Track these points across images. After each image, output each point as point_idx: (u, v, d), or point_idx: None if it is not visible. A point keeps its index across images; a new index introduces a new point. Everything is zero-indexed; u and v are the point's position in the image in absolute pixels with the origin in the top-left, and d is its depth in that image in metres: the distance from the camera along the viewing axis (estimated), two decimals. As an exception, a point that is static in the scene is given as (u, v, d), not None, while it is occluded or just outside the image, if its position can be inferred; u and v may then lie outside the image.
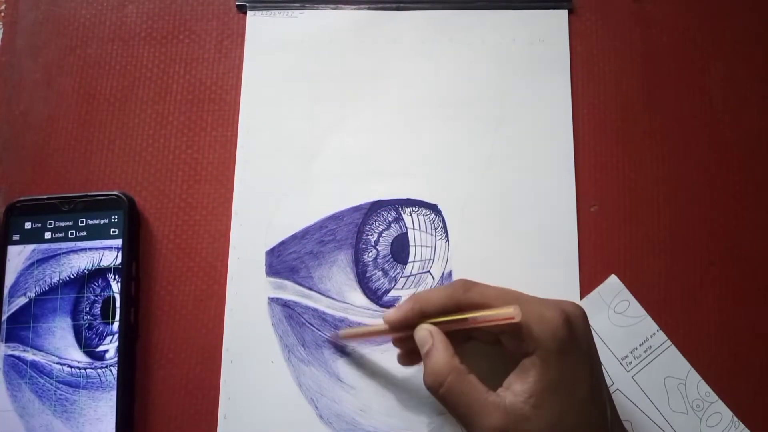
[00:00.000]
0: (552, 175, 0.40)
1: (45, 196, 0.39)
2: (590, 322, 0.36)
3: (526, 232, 0.39)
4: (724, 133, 0.41)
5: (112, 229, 0.38)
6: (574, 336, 0.30)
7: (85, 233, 0.38)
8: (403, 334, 0.33)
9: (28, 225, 0.38)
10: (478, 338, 0.34)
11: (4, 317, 0.37)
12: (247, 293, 0.38)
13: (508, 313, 0.29)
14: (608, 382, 0.36)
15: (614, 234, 0.39)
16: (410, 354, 0.34)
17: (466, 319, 0.30)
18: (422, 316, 0.32)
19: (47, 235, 0.38)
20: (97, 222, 0.38)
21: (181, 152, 0.41)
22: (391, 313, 0.32)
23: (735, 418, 0.36)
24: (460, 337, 0.33)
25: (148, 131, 0.41)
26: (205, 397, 0.37)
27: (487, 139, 0.41)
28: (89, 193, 0.39)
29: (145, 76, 0.42)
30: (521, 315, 0.29)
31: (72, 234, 0.38)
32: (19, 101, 0.41)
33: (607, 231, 0.39)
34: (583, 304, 0.37)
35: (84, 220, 0.38)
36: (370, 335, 0.35)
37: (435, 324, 0.31)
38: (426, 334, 0.31)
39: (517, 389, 0.29)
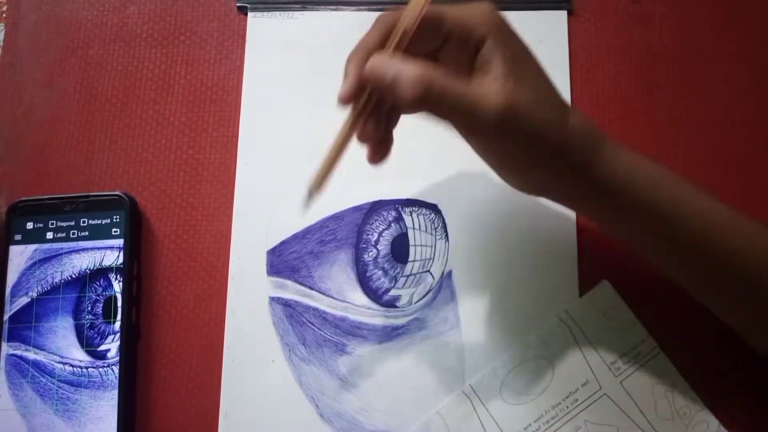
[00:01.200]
0: (551, 175, 0.40)
1: (47, 196, 0.39)
2: (581, 327, 0.37)
3: (525, 231, 0.39)
4: (723, 134, 0.41)
5: (114, 229, 0.38)
6: (504, 17, 0.29)
7: (86, 233, 0.38)
8: (362, 108, 0.30)
9: (30, 225, 0.38)
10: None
11: (6, 317, 0.37)
12: (248, 293, 0.38)
13: (418, 1, 0.27)
14: (596, 386, 0.37)
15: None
16: (379, 144, 0.32)
17: (404, 30, 0.28)
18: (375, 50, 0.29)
19: (49, 235, 0.38)
20: (99, 222, 0.38)
21: (183, 152, 0.41)
22: (342, 88, 0.29)
23: (722, 427, 0.36)
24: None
25: (149, 131, 0.41)
26: (207, 396, 0.37)
27: (487, 139, 0.41)
28: (91, 194, 0.39)
29: (147, 77, 0.42)
30: (451, 20, 0.28)
31: (74, 234, 0.38)
32: (20, 102, 0.41)
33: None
34: (573, 308, 0.38)
35: (86, 220, 0.38)
36: (337, 151, 0.31)
37: (394, 44, 0.29)
38: (382, 59, 0.28)
39: (492, 75, 0.28)
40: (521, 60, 0.29)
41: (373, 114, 0.30)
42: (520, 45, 0.29)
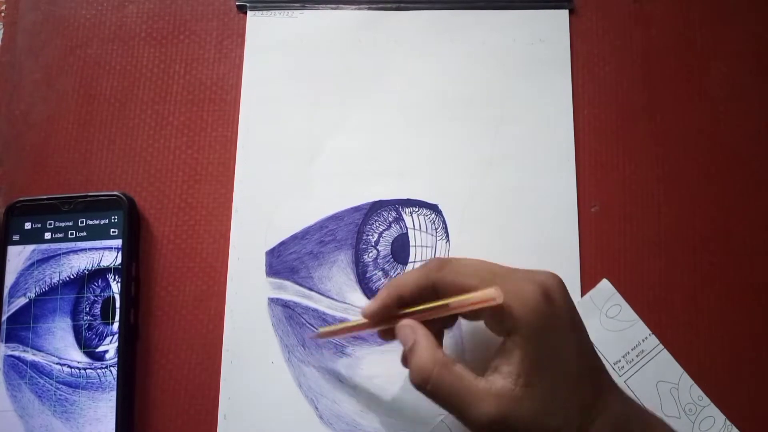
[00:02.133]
0: (552, 175, 0.40)
1: (45, 197, 0.39)
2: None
3: (526, 232, 0.39)
4: (724, 133, 0.41)
5: (112, 230, 0.38)
6: (554, 309, 0.29)
7: (85, 233, 0.38)
8: (384, 326, 0.32)
9: (28, 225, 0.38)
10: (462, 317, 0.33)
11: (4, 317, 0.37)
12: (247, 293, 0.38)
13: (488, 295, 0.28)
14: None
15: (615, 234, 0.39)
16: (390, 332, 0.33)
17: (446, 305, 0.30)
18: (400, 302, 0.31)
19: (47, 236, 0.38)
20: (97, 222, 0.38)
21: (181, 152, 0.41)
22: (369, 305, 0.32)
23: (728, 422, 0.36)
24: (444, 320, 0.32)
25: (148, 131, 0.41)
26: (205, 398, 0.37)
27: (488, 139, 0.40)
28: (89, 194, 0.39)
29: (146, 76, 0.42)
30: (501, 299, 0.28)
31: (72, 234, 0.38)
32: (19, 101, 0.41)
33: (607, 231, 0.39)
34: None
35: (84, 220, 0.38)
36: (349, 331, 0.33)
37: (415, 312, 0.31)
38: (407, 331, 0.30)
39: (504, 371, 0.28)
40: (545, 361, 0.28)
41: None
42: (552, 343, 0.28)
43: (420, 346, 0.30)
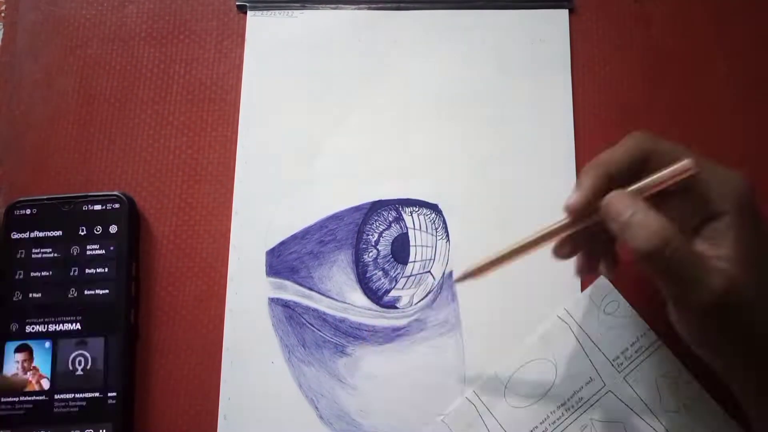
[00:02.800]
0: (553, 175, 0.40)
1: (45, 197, 0.38)
2: (581, 325, 0.37)
3: (527, 232, 0.39)
4: (725, 133, 0.41)
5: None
6: (754, 193, 0.28)
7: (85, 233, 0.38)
8: (583, 224, 0.29)
9: (28, 225, 0.38)
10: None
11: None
12: (248, 293, 0.38)
13: (684, 165, 0.27)
14: (600, 384, 0.36)
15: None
16: (588, 259, 0.31)
17: (653, 182, 0.28)
18: (610, 183, 0.28)
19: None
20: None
21: (181, 152, 0.41)
22: (572, 197, 0.28)
23: (727, 416, 0.36)
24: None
25: (148, 131, 0.41)
26: (206, 398, 0.37)
27: (488, 138, 0.40)
28: (89, 194, 0.39)
29: (146, 76, 0.42)
30: (699, 169, 0.27)
31: (72, 234, 0.38)
32: (19, 101, 0.41)
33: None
34: (573, 306, 0.37)
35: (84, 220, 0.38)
36: (529, 248, 0.30)
37: (643, 185, 0.28)
38: (625, 201, 0.27)
39: (724, 254, 0.27)
40: (757, 245, 0.27)
41: (582, 238, 0.30)
42: (760, 228, 0.28)
43: (648, 211, 0.27)
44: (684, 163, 0.27)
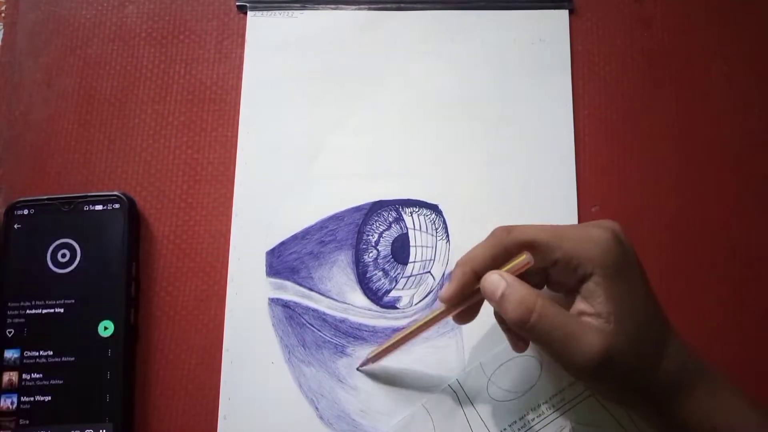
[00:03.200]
0: (553, 176, 0.40)
1: (45, 197, 0.38)
2: None
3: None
4: (724, 133, 0.41)
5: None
6: (624, 249, 0.29)
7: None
8: (461, 308, 0.32)
9: (28, 225, 0.38)
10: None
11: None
12: (248, 294, 0.38)
13: (523, 260, 0.29)
14: (584, 387, 0.36)
15: (615, 234, 0.39)
16: (465, 312, 0.33)
17: (516, 263, 0.30)
18: (476, 276, 0.31)
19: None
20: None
21: (182, 152, 0.41)
22: (445, 290, 0.32)
23: None
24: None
25: (148, 131, 0.41)
26: (206, 398, 0.37)
27: (488, 139, 0.40)
28: (89, 194, 0.39)
29: (146, 77, 0.42)
30: (532, 260, 0.29)
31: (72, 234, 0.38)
32: (19, 101, 0.41)
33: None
34: None
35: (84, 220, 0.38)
36: (426, 327, 0.33)
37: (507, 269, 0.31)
38: (494, 278, 0.30)
39: (596, 311, 0.29)
40: (626, 297, 0.29)
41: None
42: (629, 279, 0.29)
43: (516, 284, 0.29)
44: (521, 259, 0.30)
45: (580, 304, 0.29)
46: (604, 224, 0.30)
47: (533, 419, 0.36)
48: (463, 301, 0.32)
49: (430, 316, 0.33)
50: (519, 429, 0.36)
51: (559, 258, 0.30)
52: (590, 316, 0.29)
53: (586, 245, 0.29)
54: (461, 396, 0.36)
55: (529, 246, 0.30)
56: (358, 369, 0.37)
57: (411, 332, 0.34)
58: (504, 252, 0.31)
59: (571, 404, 0.36)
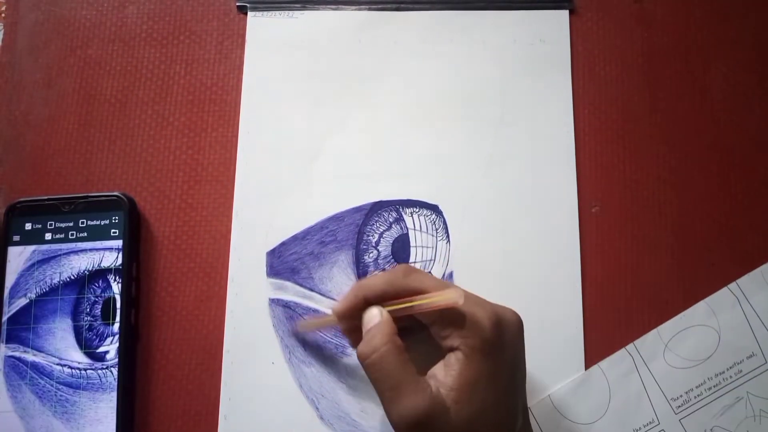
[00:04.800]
0: (553, 176, 0.40)
1: (45, 197, 0.38)
2: (750, 301, 0.37)
3: (527, 232, 0.39)
4: (725, 133, 0.41)
5: (113, 230, 0.38)
6: (500, 340, 0.30)
7: (85, 234, 0.38)
8: (351, 323, 0.33)
9: (28, 226, 0.38)
10: (411, 329, 0.34)
11: (4, 318, 0.37)
12: (248, 294, 0.38)
13: (450, 298, 0.29)
14: (762, 360, 0.36)
15: (615, 234, 0.39)
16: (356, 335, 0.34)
17: (411, 306, 0.31)
18: (366, 302, 0.32)
19: (48, 236, 0.38)
20: (98, 223, 0.38)
21: (182, 153, 0.41)
22: (337, 304, 0.33)
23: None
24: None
25: (148, 132, 0.41)
26: (206, 398, 0.37)
27: (488, 139, 0.40)
28: (90, 194, 0.39)
29: (146, 77, 0.42)
30: (462, 301, 0.29)
31: (72, 235, 0.38)
32: (19, 102, 0.41)
33: (608, 231, 0.39)
34: (746, 280, 0.38)
35: (84, 220, 0.38)
36: (323, 325, 0.36)
37: (391, 310, 0.32)
38: (376, 312, 0.32)
39: (440, 380, 0.30)
40: (477, 388, 0.29)
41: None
42: (487, 372, 0.30)
43: (381, 323, 0.31)
44: (451, 296, 0.30)
45: (439, 368, 0.30)
46: (499, 310, 0.31)
47: (709, 388, 0.36)
48: (351, 319, 0.33)
49: (326, 319, 0.35)
50: (695, 396, 0.36)
51: (436, 321, 0.31)
52: (438, 383, 0.30)
53: (466, 322, 0.30)
54: (637, 360, 0.37)
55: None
56: (294, 331, 0.38)
57: (313, 324, 0.37)
58: (394, 293, 0.32)
59: (748, 376, 0.36)
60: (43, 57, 0.42)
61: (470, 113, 0.41)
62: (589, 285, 0.38)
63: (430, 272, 0.39)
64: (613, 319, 0.38)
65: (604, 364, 0.37)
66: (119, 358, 0.36)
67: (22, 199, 0.38)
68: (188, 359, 0.38)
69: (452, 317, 0.30)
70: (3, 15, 0.43)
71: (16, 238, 0.38)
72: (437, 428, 0.29)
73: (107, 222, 0.38)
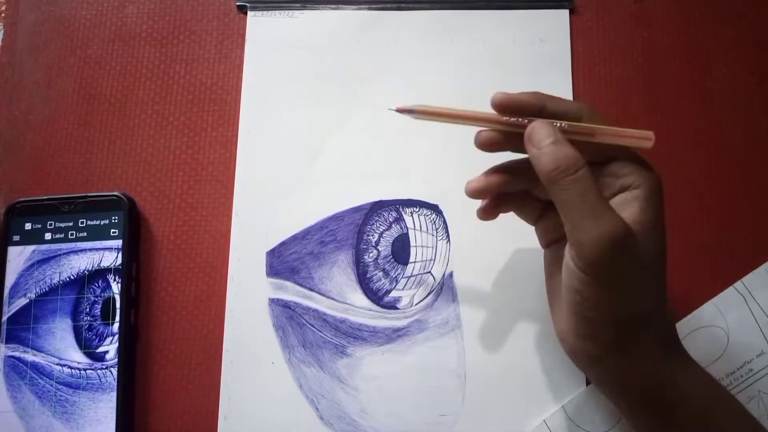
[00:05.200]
0: (553, 176, 0.40)
1: (45, 197, 0.38)
2: (755, 298, 0.38)
3: (527, 232, 0.39)
4: (724, 133, 0.41)
5: (113, 230, 0.38)
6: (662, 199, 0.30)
7: (85, 234, 0.38)
8: (503, 128, 0.31)
9: (28, 226, 0.38)
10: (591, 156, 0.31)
11: (5, 318, 0.37)
12: (248, 294, 0.38)
13: (646, 135, 0.28)
14: None
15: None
16: (495, 203, 0.33)
17: (593, 131, 0.29)
18: (540, 111, 0.30)
19: (47, 236, 0.38)
20: (98, 223, 0.38)
21: (182, 152, 0.41)
22: (501, 95, 0.31)
23: None
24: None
25: (148, 132, 0.41)
26: (206, 398, 0.37)
27: (488, 139, 0.40)
28: (89, 194, 0.39)
29: (146, 77, 0.42)
30: (652, 143, 0.29)
31: (72, 235, 0.38)
32: (19, 102, 0.41)
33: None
34: (751, 278, 0.38)
35: (84, 220, 0.38)
36: (458, 117, 0.32)
37: (572, 127, 0.30)
38: (550, 128, 0.29)
39: (631, 211, 0.29)
40: (652, 226, 0.29)
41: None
42: (657, 217, 0.29)
43: (564, 142, 0.28)
44: (647, 132, 0.29)
45: (617, 205, 0.29)
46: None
47: None
48: (509, 123, 0.30)
49: (468, 113, 0.32)
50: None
51: (617, 156, 0.30)
52: (622, 211, 0.28)
53: (645, 163, 0.29)
54: None
55: (576, 118, 0.29)
56: (397, 109, 0.33)
57: (460, 115, 0.32)
58: (539, 112, 0.30)
59: (758, 375, 0.36)
60: (43, 57, 0.42)
61: (470, 113, 0.41)
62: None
63: (430, 270, 0.39)
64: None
65: None
66: (119, 357, 0.36)
67: (22, 199, 0.38)
68: (188, 359, 0.38)
69: (633, 155, 0.29)
70: (3, 15, 0.43)
71: (16, 238, 0.38)
72: (634, 253, 0.28)
73: (107, 222, 0.38)
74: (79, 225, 0.38)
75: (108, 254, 0.38)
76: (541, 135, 0.29)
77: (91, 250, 0.38)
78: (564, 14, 0.42)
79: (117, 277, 0.37)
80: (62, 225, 0.38)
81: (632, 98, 0.41)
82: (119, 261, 0.37)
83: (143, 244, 0.39)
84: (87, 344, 0.37)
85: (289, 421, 0.37)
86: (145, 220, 0.39)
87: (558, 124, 0.29)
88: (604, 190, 0.30)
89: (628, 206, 0.29)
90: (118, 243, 0.38)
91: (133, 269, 0.38)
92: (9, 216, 0.38)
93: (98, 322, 0.37)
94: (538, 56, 0.41)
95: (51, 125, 0.41)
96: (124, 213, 0.38)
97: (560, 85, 0.41)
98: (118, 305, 0.37)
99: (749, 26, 0.42)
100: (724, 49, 0.42)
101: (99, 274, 0.37)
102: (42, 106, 0.41)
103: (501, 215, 0.39)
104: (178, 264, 0.39)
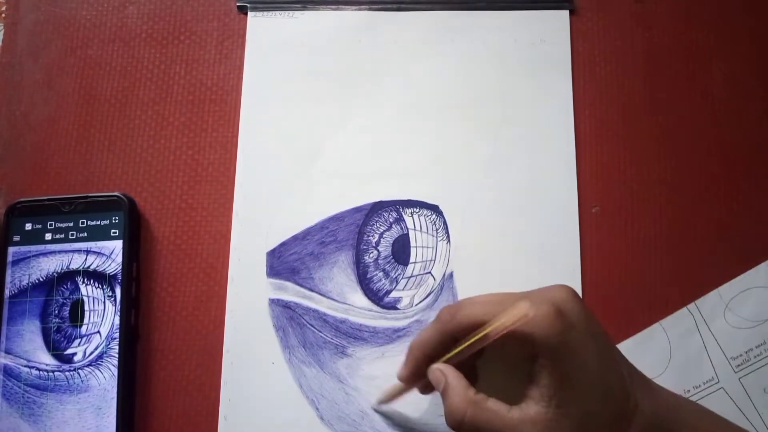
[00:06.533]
0: (553, 176, 0.40)
1: (45, 197, 0.38)
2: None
3: (527, 233, 0.39)
4: (725, 133, 0.41)
5: (113, 230, 0.38)
6: (569, 324, 0.28)
7: (85, 234, 0.38)
8: (423, 382, 0.33)
9: (28, 226, 0.38)
10: (491, 354, 0.33)
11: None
12: (248, 294, 0.38)
13: (519, 313, 0.28)
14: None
15: (616, 235, 0.39)
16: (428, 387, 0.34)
17: (483, 336, 0.29)
18: (427, 359, 0.32)
19: (48, 236, 0.38)
20: (98, 223, 0.38)
21: (182, 153, 0.41)
22: (400, 370, 0.33)
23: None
24: (473, 359, 0.32)
25: (148, 132, 0.41)
26: (206, 399, 0.37)
27: (489, 139, 0.40)
28: (90, 194, 0.39)
29: (146, 77, 0.42)
30: (533, 312, 0.28)
31: (72, 235, 0.38)
32: (19, 102, 0.41)
33: (608, 232, 0.39)
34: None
35: (84, 221, 0.38)
36: (399, 394, 0.35)
37: (453, 355, 0.30)
38: (438, 374, 0.31)
39: (536, 396, 0.28)
40: (572, 378, 0.28)
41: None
42: (576, 357, 0.28)
43: (451, 387, 0.30)
44: (520, 311, 0.28)
45: (529, 385, 0.29)
46: (549, 296, 0.29)
47: None
48: (420, 380, 0.33)
49: (398, 388, 0.34)
50: (755, 356, 0.36)
51: (506, 342, 0.29)
52: (534, 400, 0.28)
53: (534, 321, 0.28)
54: (698, 318, 0.37)
55: (476, 328, 0.30)
56: (380, 403, 0.36)
57: (390, 395, 0.35)
58: (451, 338, 0.31)
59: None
60: (43, 57, 0.42)
61: (470, 113, 0.41)
62: (589, 285, 0.38)
63: (431, 271, 0.39)
64: (613, 318, 0.38)
65: (666, 322, 0.37)
66: (119, 358, 0.36)
67: (22, 199, 0.38)
68: (188, 359, 0.38)
69: (516, 331, 0.28)
70: (3, 15, 0.43)
71: (16, 238, 0.38)
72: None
73: (107, 222, 0.38)
74: (80, 225, 0.38)
75: (108, 254, 0.38)
76: (435, 382, 0.31)
77: (91, 250, 0.38)
78: (564, 15, 0.42)
79: (117, 278, 0.37)
80: (62, 225, 0.38)
81: (633, 99, 0.41)
82: (119, 261, 0.37)
83: (143, 244, 0.39)
84: (55, 346, 0.36)
85: (289, 421, 0.37)
86: (146, 221, 0.39)
87: (453, 352, 0.31)
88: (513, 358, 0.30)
89: (539, 380, 0.28)
90: (119, 243, 0.38)
91: (133, 269, 0.38)
92: (9, 216, 0.38)
93: (66, 324, 0.37)
94: (538, 57, 0.41)
95: (51, 125, 0.41)
96: (125, 213, 0.38)
97: (560, 86, 0.41)
98: (86, 307, 0.37)
99: (749, 26, 0.42)
100: (724, 49, 0.42)
101: (67, 276, 0.37)
102: (42, 106, 0.41)
103: (501, 215, 0.39)
104: (179, 264, 0.39)
